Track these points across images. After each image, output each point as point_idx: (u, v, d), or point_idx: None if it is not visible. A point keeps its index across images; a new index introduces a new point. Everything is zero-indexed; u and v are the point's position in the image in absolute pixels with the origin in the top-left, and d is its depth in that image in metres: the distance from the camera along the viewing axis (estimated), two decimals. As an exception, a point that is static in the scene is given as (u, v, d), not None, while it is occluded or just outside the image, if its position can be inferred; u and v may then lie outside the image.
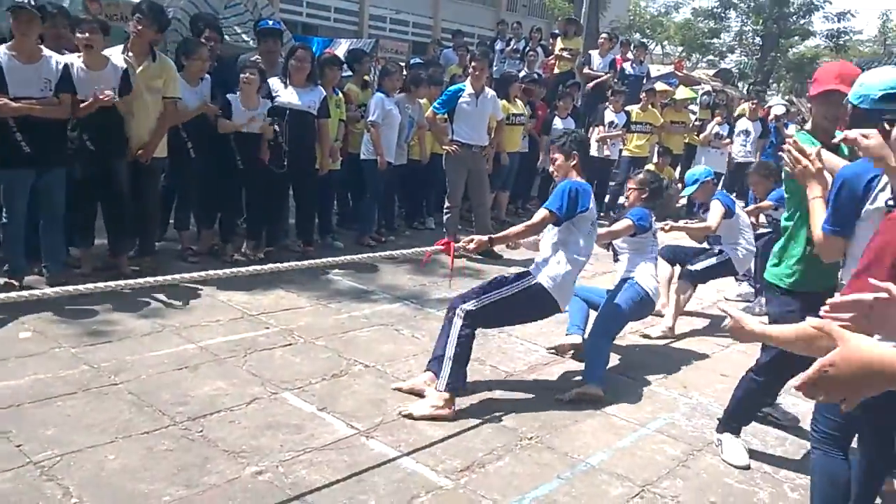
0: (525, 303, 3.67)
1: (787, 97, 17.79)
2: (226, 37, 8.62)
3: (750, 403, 3.28)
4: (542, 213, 3.70)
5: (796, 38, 26.14)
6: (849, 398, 1.14)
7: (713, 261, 5.31)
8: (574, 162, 3.91)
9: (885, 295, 1.25)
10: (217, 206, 5.99)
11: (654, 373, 4.31)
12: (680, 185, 7.89)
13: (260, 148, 5.73)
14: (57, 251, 4.89)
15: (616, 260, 4.56)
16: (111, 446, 3.01)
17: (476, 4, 27.71)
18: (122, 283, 3.03)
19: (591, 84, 10.82)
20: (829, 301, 1.33)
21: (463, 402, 3.64)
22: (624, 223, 4.41)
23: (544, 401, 3.79)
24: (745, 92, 14.45)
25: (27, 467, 2.80)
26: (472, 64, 6.90)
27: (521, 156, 8.37)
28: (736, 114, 10.47)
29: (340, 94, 6.46)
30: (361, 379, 3.91)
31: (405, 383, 3.79)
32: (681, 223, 5.43)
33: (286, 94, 5.94)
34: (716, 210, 5.18)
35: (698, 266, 5.31)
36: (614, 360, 4.39)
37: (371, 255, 4.25)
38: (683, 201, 5.80)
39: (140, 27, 4.97)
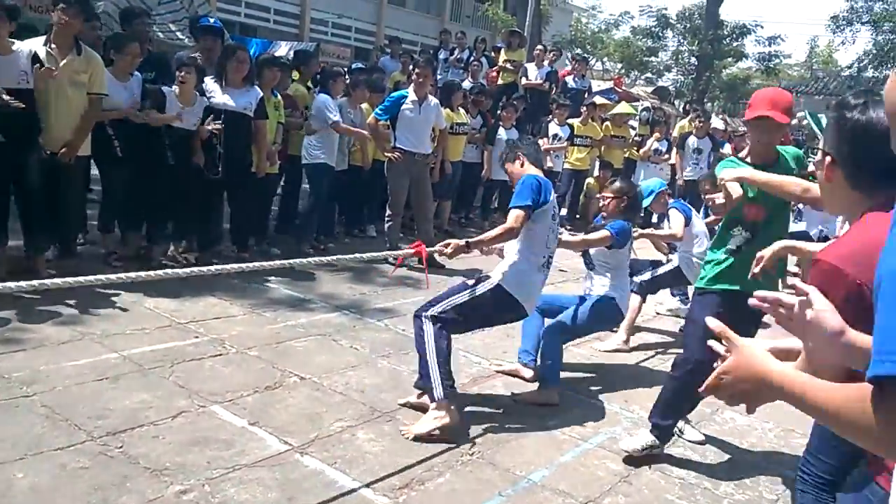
0: (489, 305, 3.55)
1: (720, 116, 18.30)
2: (159, 33, 8.33)
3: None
4: (514, 213, 3.53)
5: (730, 59, 27.07)
6: (748, 404, 1.21)
7: (662, 270, 5.36)
8: (521, 161, 3.81)
9: (804, 299, 1.25)
10: (146, 207, 5.72)
11: (596, 385, 4.28)
12: None
13: (193, 149, 5.51)
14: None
15: (591, 269, 4.41)
16: (20, 464, 2.77)
17: (420, 13, 27.75)
18: (36, 283, 2.80)
19: (524, 83, 10.84)
20: (756, 293, 1.35)
21: (402, 417, 3.52)
22: (601, 233, 4.20)
23: (486, 414, 3.69)
24: (681, 110, 14.78)
25: (-79, 488, 2.56)
26: (416, 71, 6.78)
27: (464, 165, 8.33)
28: (675, 132, 10.68)
29: (279, 97, 6.26)
30: (296, 391, 3.74)
31: (408, 399, 3.69)
32: (648, 231, 5.42)
33: (221, 96, 5.72)
34: (677, 218, 5.24)
35: (647, 276, 5.32)
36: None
37: (340, 257, 3.93)
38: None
39: (64, 18, 4.69)
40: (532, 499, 2.94)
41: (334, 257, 3.75)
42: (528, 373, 4.14)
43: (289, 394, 3.70)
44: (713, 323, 1.30)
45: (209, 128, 5.53)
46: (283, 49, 11.67)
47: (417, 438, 3.26)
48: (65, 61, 4.76)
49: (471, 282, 3.62)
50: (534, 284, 3.67)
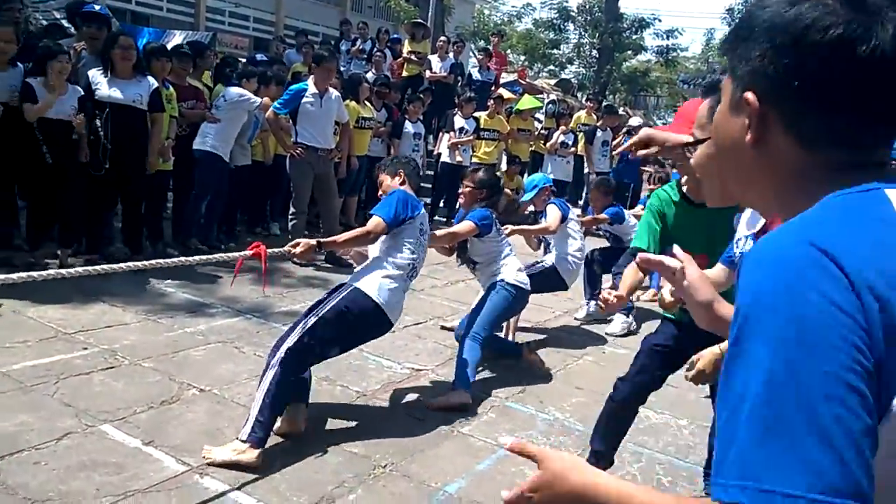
0: (348, 315, 3.26)
1: (622, 108, 18.86)
2: (42, 21, 7.74)
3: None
4: (373, 220, 3.41)
5: (629, 52, 27.85)
6: None
7: (535, 270, 5.13)
8: (402, 178, 3.69)
9: (681, 267, 1.33)
10: (26, 210, 5.29)
11: (509, 387, 4.23)
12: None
13: (72, 143, 5.12)
14: None
15: (474, 267, 4.40)
16: None
17: (320, 3, 27.13)
18: None
19: (429, 75, 10.76)
20: (640, 255, 1.40)
21: (310, 429, 3.36)
22: (465, 224, 4.20)
23: (399, 423, 3.58)
24: (583, 102, 15.10)
25: None
26: (323, 64, 6.51)
27: (369, 160, 8.15)
28: (573, 123, 10.84)
29: (171, 89, 5.91)
30: (195, 405, 3.52)
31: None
32: (520, 227, 5.23)
33: (107, 88, 5.34)
34: (552, 212, 5.18)
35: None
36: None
37: (182, 259, 3.42)
38: (531, 208, 5.69)
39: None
40: (448, 511, 2.86)
41: (177, 259, 3.29)
42: (468, 398, 3.86)
43: (187, 408, 3.48)
44: (509, 442, 1.07)
45: (80, 121, 5.13)
46: (177, 38, 11.07)
47: (212, 464, 2.95)
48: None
49: (324, 295, 3.41)
50: (398, 293, 3.47)
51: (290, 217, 6.63)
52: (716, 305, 1.31)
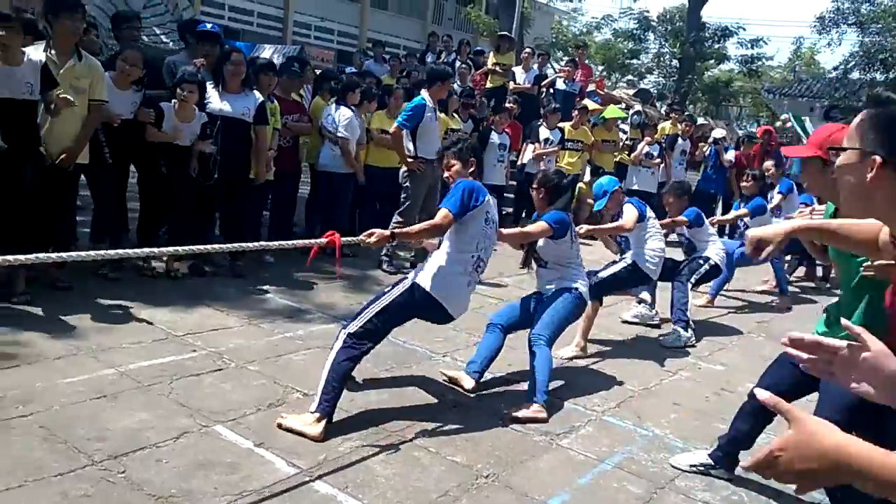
0: (406, 306, 3.53)
1: (703, 118, 18.43)
2: (144, 37, 8.18)
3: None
4: (441, 213, 3.54)
5: (711, 61, 27.21)
6: (802, 485, 1.03)
7: (617, 268, 5.20)
8: (472, 169, 3.77)
9: (855, 344, 1.17)
10: (138, 216, 5.59)
11: (604, 400, 4.19)
12: None
13: (188, 160, 5.39)
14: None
15: (542, 266, 4.34)
16: (19, 492, 2.64)
17: (402, 16, 27.65)
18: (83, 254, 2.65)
19: (512, 87, 10.77)
20: (790, 334, 1.24)
21: (409, 434, 3.43)
22: (538, 224, 4.18)
23: (496, 431, 3.59)
24: (663, 112, 14.85)
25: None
26: (446, 81, 6.76)
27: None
28: (657, 134, 10.69)
29: (276, 103, 6.15)
30: (300, 409, 3.61)
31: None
32: (594, 226, 5.30)
33: (219, 102, 5.61)
34: (629, 211, 5.10)
35: (602, 274, 5.17)
36: (557, 383, 4.28)
37: (266, 244, 4.17)
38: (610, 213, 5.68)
39: (66, 24, 4.56)
40: (553, 524, 2.86)
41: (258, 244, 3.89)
42: (470, 383, 4.03)
43: (293, 411, 3.57)
44: (763, 395, 1.11)
45: (202, 148, 5.43)
46: (267, 52, 11.51)
47: (281, 427, 3.33)
48: (66, 67, 4.64)
49: (388, 287, 3.62)
50: (458, 286, 3.61)
51: (394, 225, 6.72)
52: None
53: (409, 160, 6.58)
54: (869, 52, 19.74)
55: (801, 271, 8.55)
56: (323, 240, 3.41)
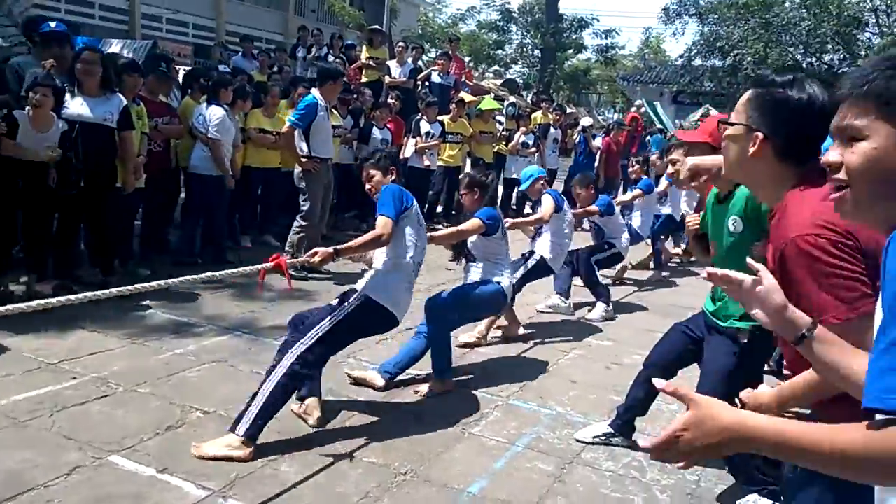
0: (358, 320, 3.46)
1: (568, 106, 19.18)
2: (-1, 41, 7.50)
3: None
4: (380, 221, 3.51)
5: (570, 51, 28.39)
6: (691, 460, 1.14)
7: (527, 268, 5.46)
8: (393, 178, 3.82)
9: (755, 278, 1.38)
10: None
11: (508, 383, 4.28)
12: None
13: (46, 171, 4.96)
14: None
15: (469, 265, 4.43)
16: None
17: (261, 7, 26.65)
18: None
19: (388, 81, 10.76)
20: (707, 269, 1.43)
21: (321, 440, 3.34)
22: (472, 222, 4.25)
23: (408, 429, 3.57)
24: (530, 101, 15.31)
25: None
26: (338, 79, 6.67)
27: (340, 167, 8.08)
28: (531, 123, 11.01)
29: (142, 105, 5.78)
30: (202, 428, 3.44)
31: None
32: (517, 219, 5.58)
33: (75, 105, 5.19)
34: (547, 202, 5.39)
35: (515, 276, 5.19)
36: (466, 373, 4.33)
37: (192, 276, 3.42)
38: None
39: None
40: (477, 514, 2.88)
41: (206, 274, 3.43)
42: (381, 382, 4.00)
43: (195, 432, 3.40)
44: (660, 384, 1.22)
45: (53, 154, 4.95)
46: (115, 47, 10.77)
47: (202, 457, 3.09)
48: None
49: (335, 302, 3.56)
50: (403, 291, 3.65)
51: (296, 230, 6.52)
52: (790, 308, 1.36)
53: (304, 160, 6.40)
54: (709, 41, 21.35)
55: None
56: (269, 264, 3.30)
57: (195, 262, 6.51)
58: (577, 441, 3.56)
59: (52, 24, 5.77)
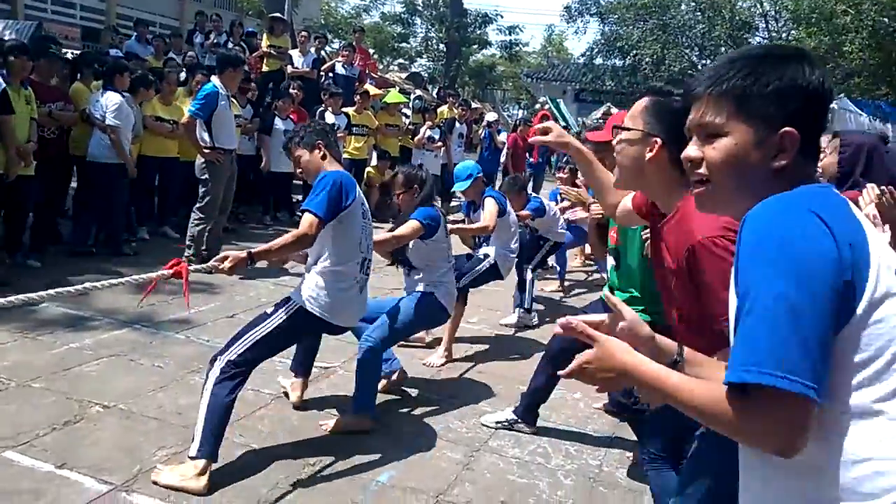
0: (291, 331, 3.16)
1: (473, 102, 19.42)
2: None
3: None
4: (307, 218, 3.06)
5: (475, 46, 28.73)
6: (603, 388, 1.34)
7: (478, 271, 4.94)
8: (322, 152, 3.30)
9: (612, 315, 1.42)
10: None
11: (415, 378, 4.33)
12: None
13: None
14: None
15: (409, 272, 4.06)
16: None
17: (156, -10, 25.55)
18: None
19: (291, 71, 10.61)
20: (561, 322, 1.38)
21: (231, 434, 3.32)
22: (409, 225, 3.79)
23: (317, 422, 3.59)
24: (435, 96, 15.46)
25: None
26: (237, 66, 6.49)
27: (240, 158, 7.94)
28: (437, 117, 11.13)
29: (30, 89, 5.50)
30: (102, 423, 3.38)
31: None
32: (458, 226, 5.11)
33: None
34: (490, 207, 4.87)
35: (464, 279, 4.84)
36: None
37: (89, 285, 2.88)
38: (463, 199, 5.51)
39: None
40: (385, 500, 2.96)
41: (82, 287, 2.84)
42: (368, 424, 3.57)
43: (95, 426, 3.33)
44: (564, 321, 1.35)
45: None
46: (-4, 29, 10.12)
47: (157, 484, 2.86)
48: None
49: (270, 310, 3.18)
50: (350, 300, 3.24)
51: (195, 222, 6.32)
52: (658, 338, 1.41)
53: (207, 151, 6.25)
54: (609, 41, 22.03)
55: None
56: (167, 270, 2.90)
57: (90, 252, 6.29)
58: (483, 426, 3.70)
59: None
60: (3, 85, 5.11)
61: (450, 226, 4.40)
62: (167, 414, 3.51)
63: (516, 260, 5.26)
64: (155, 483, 2.86)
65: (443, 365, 4.59)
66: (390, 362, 4.04)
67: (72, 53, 8.60)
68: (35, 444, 3.10)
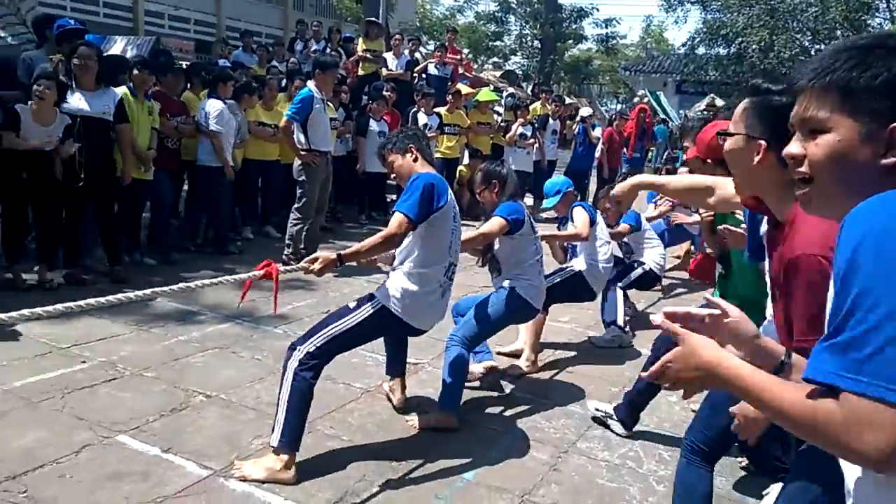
0: (372, 328, 3.19)
1: (568, 97, 19.20)
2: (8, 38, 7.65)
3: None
4: (396, 218, 3.07)
5: (571, 41, 28.34)
6: (687, 390, 1.27)
7: (561, 278, 4.66)
8: (414, 156, 3.33)
9: (716, 311, 1.40)
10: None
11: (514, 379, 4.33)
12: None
13: (51, 163, 5.08)
14: None
15: (496, 272, 3.99)
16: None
17: (261, 2, 26.81)
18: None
19: (385, 73, 10.82)
20: (665, 310, 1.39)
21: (321, 429, 3.45)
22: (494, 222, 3.73)
23: (404, 414, 3.68)
24: (530, 93, 15.37)
25: None
26: (329, 70, 6.70)
27: (334, 160, 8.19)
28: (530, 114, 11.08)
29: (152, 101, 5.92)
30: (205, 411, 3.59)
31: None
32: (548, 232, 4.75)
33: (75, 100, 5.31)
34: (581, 215, 4.66)
35: (549, 283, 4.45)
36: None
37: (190, 284, 2.92)
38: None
39: None
40: (469, 498, 2.99)
41: (194, 283, 2.86)
42: (454, 422, 3.59)
43: (198, 414, 3.54)
44: (657, 319, 1.33)
45: (67, 150, 5.12)
46: (119, 45, 10.86)
47: (245, 479, 2.95)
48: None
49: (352, 304, 3.20)
50: (430, 304, 3.22)
51: (293, 222, 6.57)
52: (763, 339, 1.37)
53: (303, 153, 6.48)
54: (712, 29, 21.06)
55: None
56: (258, 271, 2.98)
57: (199, 251, 6.68)
58: (587, 405, 3.79)
59: (72, 22, 5.92)
60: (120, 95, 5.51)
61: (541, 231, 4.26)
62: (264, 405, 3.67)
63: (607, 277, 4.94)
64: (242, 479, 2.95)
65: (527, 373, 4.43)
66: (482, 354, 4.07)
67: (184, 65, 9.13)
68: (144, 430, 3.33)
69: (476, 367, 4.06)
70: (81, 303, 2.42)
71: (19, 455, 3.00)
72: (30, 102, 4.99)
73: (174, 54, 12.49)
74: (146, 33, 18.59)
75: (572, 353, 4.95)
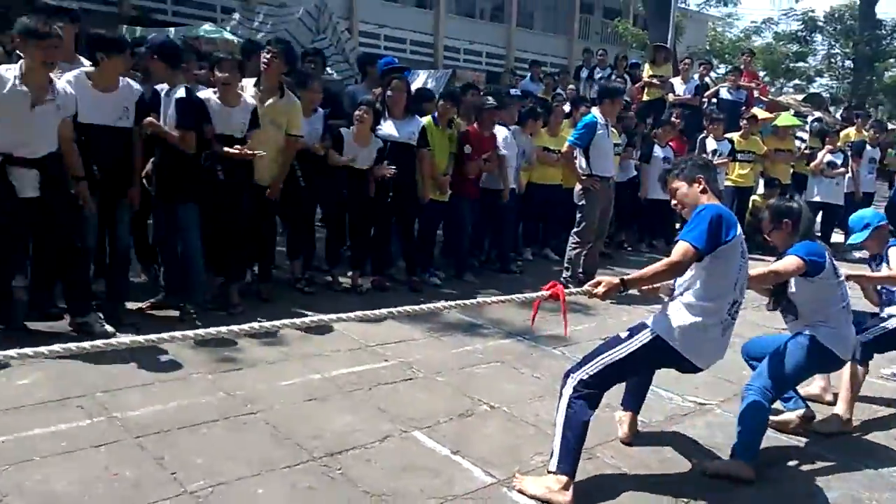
0: (646, 360, 3.16)
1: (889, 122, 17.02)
2: (328, 69, 8.99)
3: None
4: (681, 247, 2.98)
5: (891, 60, 25.13)
6: None
7: (885, 325, 4.10)
8: (702, 187, 3.21)
9: None
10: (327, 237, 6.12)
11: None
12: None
13: (367, 183, 5.80)
14: (195, 286, 5.00)
15: (791, 316, 3.70)
16: (257, 480, 2.98)
17: (548, 34, 27.83)
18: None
19: (672, 99, 10.54)
20: None
21: (601, 456, 3.44)
22: (789, 261, 3.45)
23: (689, 455, 3.54)
24: (838, 117, 13.91)
25: (182, 497, 2.81)
26: (616, 97, 6.83)
27: (617, 185, 8.17)
28: (839, 141, 10.04)
29: (453, 129, 6.48)
30: (489, 421, 3.79)
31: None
32: (857, 273, 4.27)
33: (386, 127, 5.99)
34: None
35: (870, 335, 4.08)
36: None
37: (480, 300, 3.36)
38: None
39: (268, 60, 5.08)
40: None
41: (475, 300, 3.19)
42: (750, 473, 3.34)
43: (483, 423, 3.75)
44: None
45: (383, 172, 5.79)
46: (421, 78, 12.01)
47: (523, 492, 3.02)
48: (268, 104, 5.16)
49: (624, 335, 3.16)
50: (710, 339, 3.08)
51: (572, 246, 6.74)
52: None
53: (584, 178, 6.61)
54: None
55: None
56: (545, 292, 3.08)
57: (482, 269, 7.10)
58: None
59: (395, 61, 6.80)
60: (423, 123, 6.10)
61: (848, 271, 3.90)
62: (543, 423, 3.77)
63: None
64: (521, 492, 3.03)
65: (837, 433, 3.93)
66: (794, 400, 3.81)
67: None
68: (436, 429, 3.62)
69: (789, 416, 3.81)
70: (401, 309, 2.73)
71: (336, 436, 3.44)
72: (351, 127, 5.74)
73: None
74: (444, 66, 20.34)
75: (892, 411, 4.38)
